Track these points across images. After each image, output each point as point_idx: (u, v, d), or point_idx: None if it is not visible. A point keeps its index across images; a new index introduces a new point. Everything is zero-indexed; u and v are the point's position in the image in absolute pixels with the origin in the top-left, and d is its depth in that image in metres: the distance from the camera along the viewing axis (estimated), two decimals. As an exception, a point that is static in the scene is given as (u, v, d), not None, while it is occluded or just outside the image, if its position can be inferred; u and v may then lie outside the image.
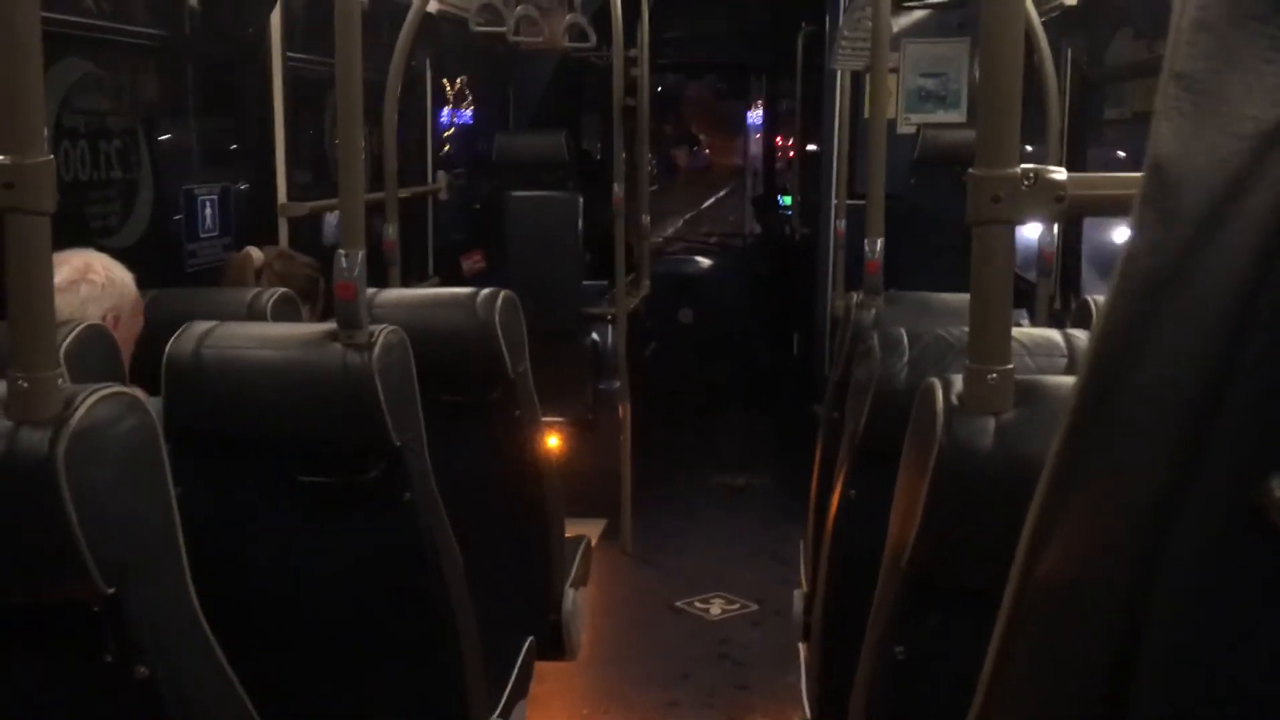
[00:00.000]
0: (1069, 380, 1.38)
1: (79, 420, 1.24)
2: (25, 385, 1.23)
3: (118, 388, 1.32)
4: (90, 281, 2.17)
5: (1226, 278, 0.34)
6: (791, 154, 9.78)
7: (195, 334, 1.97)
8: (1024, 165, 1.22)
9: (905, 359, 1.99)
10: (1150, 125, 0.39)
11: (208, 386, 1.94)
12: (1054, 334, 1.87)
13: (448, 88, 5.48)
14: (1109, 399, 0.39)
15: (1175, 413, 0.35)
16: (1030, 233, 4.10)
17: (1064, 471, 0.41)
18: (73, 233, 2.87)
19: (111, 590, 1.28)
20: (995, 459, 1.25)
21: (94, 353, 1.80)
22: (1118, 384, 0.38)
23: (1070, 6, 4.65)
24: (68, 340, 1.80)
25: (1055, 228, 4.24)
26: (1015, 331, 1.39)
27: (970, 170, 1.24)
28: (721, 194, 13.13)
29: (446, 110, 5.78)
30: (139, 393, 1.40)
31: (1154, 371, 0.37)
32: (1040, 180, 1.21)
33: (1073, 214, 1.24)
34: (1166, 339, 0.36)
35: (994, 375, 1.27)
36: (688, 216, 11.89)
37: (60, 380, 1.28)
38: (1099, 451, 0.39)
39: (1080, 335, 1.88)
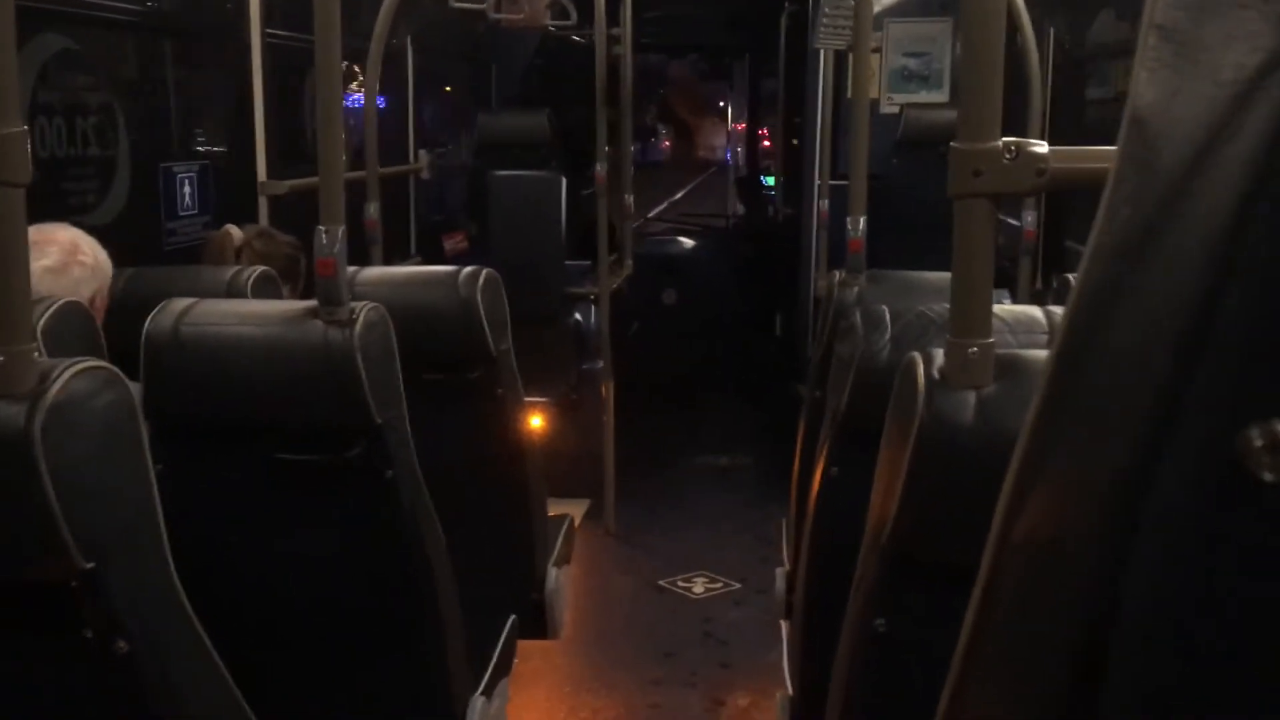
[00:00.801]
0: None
1: (55, 394, 1.23)
2: (1, 359, 1.22)
3: (95, 362, 1.31)
4: (81, 264, 2.17)
5: (1205, 228, 0.34)
6: (768, 142, 9.73)
7: (174, 311, 1.95)
8: (1005, 139, 1.22)
9: (887, 336, 2.00)
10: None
11: (187, 364, 1.92)
12: (1035, 311, 1.88)
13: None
14: (1088, 355, 0.38)
15: (1154, 367, 0.35)
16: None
17: (1042, 431, 0.41)
18: (50, 210, 2.84)
19: (90, 565, 1.27)
20: (976, 433, 1.26)
21: (71, 329, 1.79)
22: (1096, 339, 0.38)
23: (1053, -14, 4.65)
24: (45, 317, 1.78)
25: (1036, 206, 4.25)
26: (996, 309, 1.39)
27: (951, 144, 1.24)
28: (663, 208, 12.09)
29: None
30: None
31: (1133, 326, 0.36)
32: (1022, 153, 1.21)
33: (1054, 188, 1.24)
34: (1145, 292, 0.36)
35: (975, 349, 1.27)
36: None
37: (37, 355, 1.27)
38: (1078, 409, 0.39)
39: (1061, 312, 1.88)
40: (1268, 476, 0.32)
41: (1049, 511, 0.41)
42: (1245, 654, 0.34)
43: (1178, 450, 0.34)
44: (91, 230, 2.59)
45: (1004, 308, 1.88)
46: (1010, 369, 1.29)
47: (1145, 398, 0.35)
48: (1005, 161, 1.21)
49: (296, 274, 2.98)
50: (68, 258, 2.14)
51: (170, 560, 1.41)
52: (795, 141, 7.07)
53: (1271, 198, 0.32)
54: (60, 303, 1.84)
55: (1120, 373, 0.37)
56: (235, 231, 2.98)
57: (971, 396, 1.27)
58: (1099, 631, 0.37)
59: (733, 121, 12.79)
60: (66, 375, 1.25)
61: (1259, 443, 0.32)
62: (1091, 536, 0.38)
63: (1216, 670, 0.35)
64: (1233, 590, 0.34)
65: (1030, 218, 4.18)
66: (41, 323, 1.77)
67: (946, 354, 1.30)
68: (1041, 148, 1.22)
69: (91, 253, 2.20)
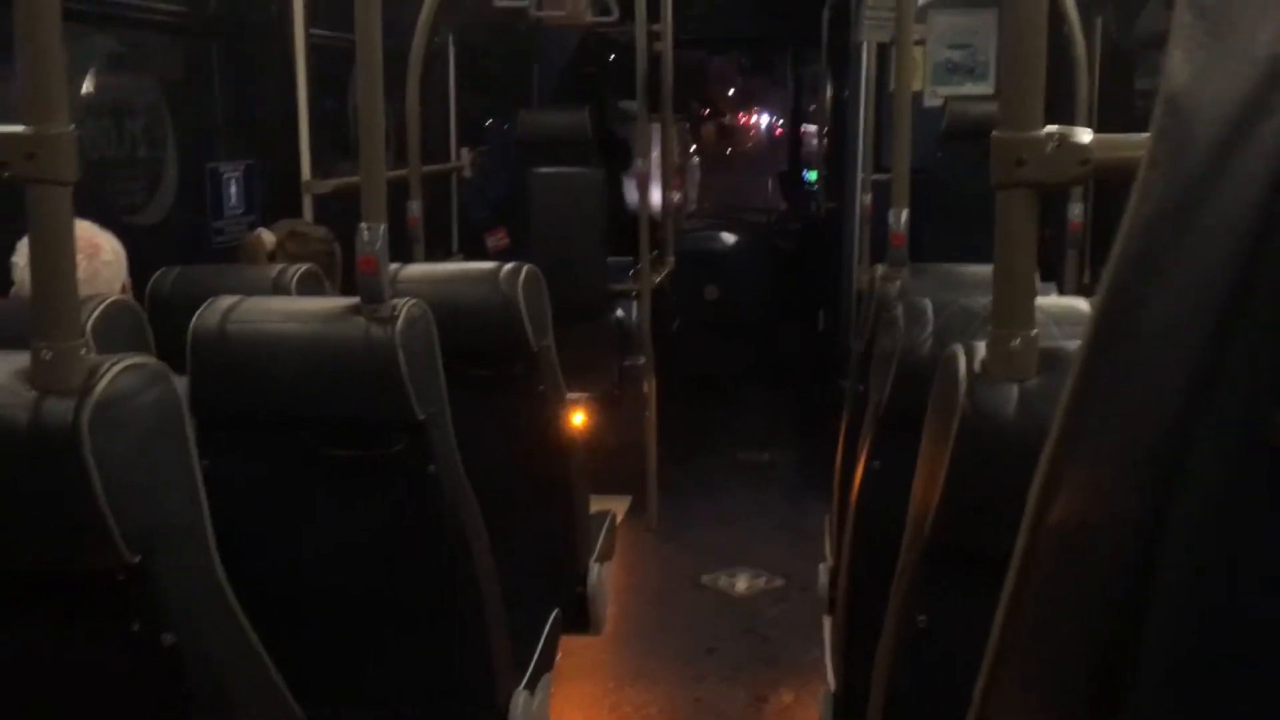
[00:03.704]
0: None
1: (103, 390, 1.25)
2: (49, 355, 1.24)
3: (141, 358, 1.33)
4: (106, 263, 2.21)
5: (1239, 207, 0.33)
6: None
7: (220, 308, 1.98)
8: (1049, 127, 1.20)
9: (929, 329, 1.98)
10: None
11: (232, 360, 1.95)
12: (1080, 303, 1.85)
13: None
14: (1122, 335, 0.38)
15: (1188, 345, 0.35)
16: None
17: (1077, 411, 0.40)
18: (99, 210, 2.89)
19: (137, 558, 1.29)
20: (1018, 426, 1.24)
21: (120, 326, 1.82)
22: (1130, 320, 0.38)
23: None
24: (94, 314, 1.81)
25: (1084, 198, 4.20)
26: (1041, 301, 1.38)
27: (994, 133, 1.22)
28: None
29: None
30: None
31: (1167, 304, 0.36)
32: (1065, 143, 1.19)
33: (1099, 177, 1.22)
34: (1179, 271, 0.35)
35: (1017, 341, 1.26)
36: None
37: (84, 351, 1.29)
38: (1112, 389, 0.39)
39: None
40: None
41: (1083, 494, 0.40)
42: (1277, 635, 0.34)
43: (1211, 430, 0.34)
44: (141, 230, 2.64)
45: (1048, 300, 1.85)
46: (1054, 361, 1.27)
47: (1179, 376, 0.35)
48: (1049, 151, 1.20)
49: (334, 267, 3.00)
50: (92, 262, 2.18)
51: (215, 554, 1.43)
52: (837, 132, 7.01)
53: None
54: (109, 300, 1.88)
55: (1154, 351, 0.36)
56: (267, 235, 3.01)
57: (1014, 389, 1.25)
58: (1131, 616, 0.37)
59: (776, 115, 12.72)
60: (114, 371, 1.27)
61: None
62: (1124, 518, 0.37)
63: (1248, 652, 0.34)
64: (1266, 572, 0.33)
65: (1077, 210, 4.13)
66: (91, 320, 1.80)
67: (988, 346, 1.28)
68: (1086, 136, 1.20)
69: (111, 248, 2.24)
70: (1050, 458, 0.42)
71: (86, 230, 2.22)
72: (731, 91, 14.35)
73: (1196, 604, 0.35)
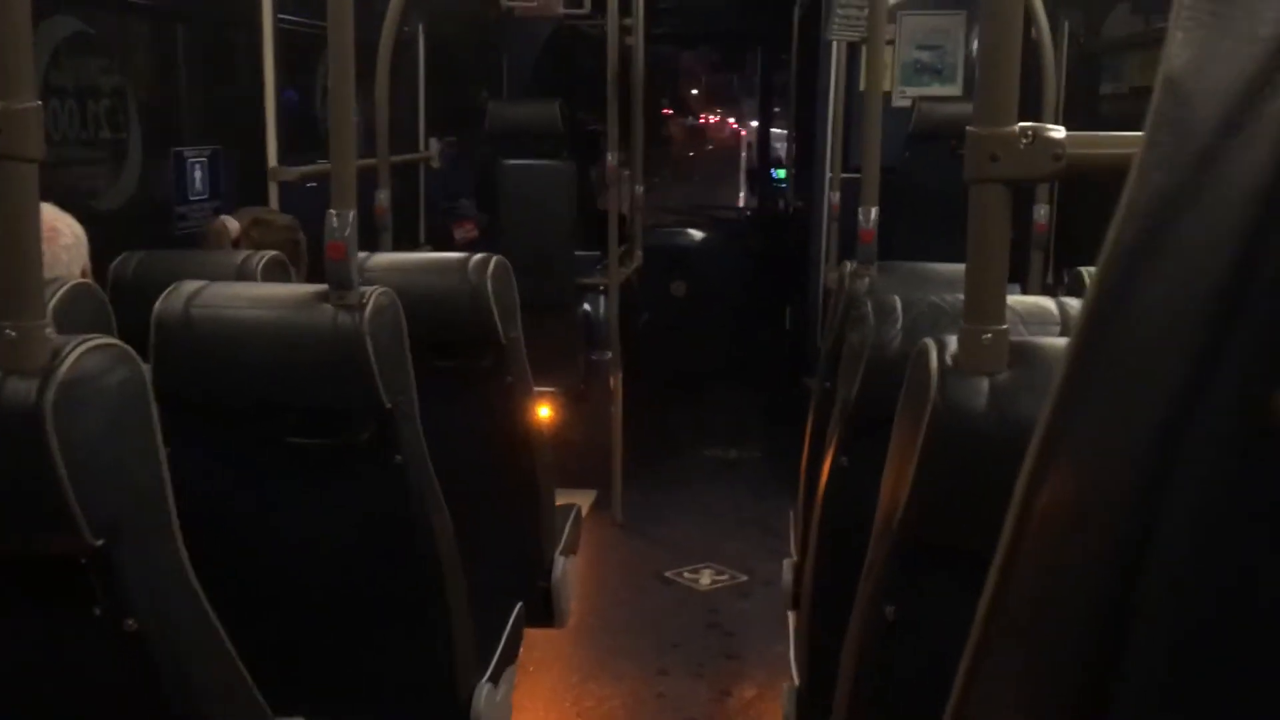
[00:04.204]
0: (1065, 342, 1.37)
1: (67, 370, 1.23)
2: (13, 335, 1.22)
3: (107, 339, 1.31)
4: (65, 247, 2.16)
5: (1241, 187, 0.33)
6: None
7: (184, 293, 1.95)
8: (1022, 124, 1.21)
9: (899, 326, 1.99)
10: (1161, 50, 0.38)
11: (197, 345, 1.93)
12: (1047, 302, 1.87)
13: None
14: (1117, 319, 0.38)
15: (1187, 327, 0.35)
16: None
17: (1070, 394, 0.40)
18: (60, 193, 2.84)
19: (100, 543, 1.27)
20: (989, 419, 1.25)
21: (82, 310, 1.79)
22: (1127, 300, 0.37)
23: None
24: (56, 297, 1.78)
25: (1049, 199, 4.24)
26: (1009, 299, 1.39)
27: (968, 128, 1.23)
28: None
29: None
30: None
31: (1165, 286, 0.36)
32: (1039, 138, 1.20)
33: (1071, 174, 1.23)
34: (1179, 252, 0.35)
35: (988, 335, 1.26)
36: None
37: (48, 332, 1.27)
38: (1107, 372, 0.39)
39: (1074, 303, 1.87)
40: None
41: (1074, 478, 0.40)
42: (1274, 620, 0.34)
43: (1208, 412, 0.34)
44: (103, 215, 2.59)
45: (1016, 298, 1.87)
46: (1023, 356, 1.28)
47: (1176, 358, 0.35)
48: (1022, 146, 1.21)
49: (298, 254, 2.97)
50: (51, 246, 2.13)
51: (180, 539, 1.41)
52: (806, 131, 7.04)
53: None
54: (70, 284, 1.85)
55: (1151, 333, 0.36)
56: (231, 223, 2.97)
57: (984, 383, 1.26)
58: (1122, 602, 0.36)
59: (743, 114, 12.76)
60: (78, 352, 1.25)
61: None
62: (1118, 502, 0.37)
63: (1245, 647, 0.34)
64: (1262, 556, 0.33)
65: (1043, 211, 4.17)
66: (53, 303, 1.77)
67: (960, 340, 1.29)
68: (1059, 133, 1.21)
69: (71, 231, 2.19)
70: (1041, 440, 0.41)
71: (46, 213, 2.17)
72: (696, 91, 14.36)
73: (1191, 596, 0.35)
